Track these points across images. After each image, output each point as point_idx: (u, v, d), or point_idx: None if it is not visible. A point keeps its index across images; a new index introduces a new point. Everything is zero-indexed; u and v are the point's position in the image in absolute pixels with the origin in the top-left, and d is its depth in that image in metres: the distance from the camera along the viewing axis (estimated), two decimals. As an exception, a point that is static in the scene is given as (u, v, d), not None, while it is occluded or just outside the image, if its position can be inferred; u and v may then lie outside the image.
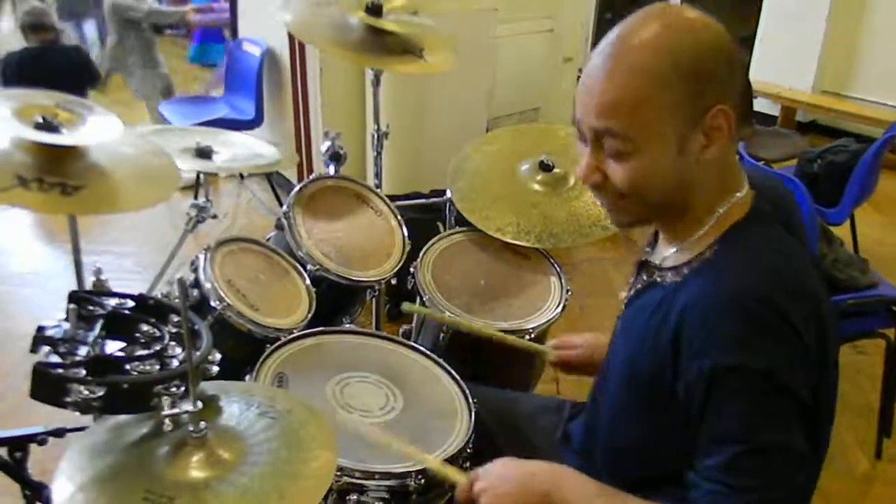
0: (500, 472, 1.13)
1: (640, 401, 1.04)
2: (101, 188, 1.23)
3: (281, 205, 3.98)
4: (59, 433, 1.66)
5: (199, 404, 1.02)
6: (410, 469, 1.25)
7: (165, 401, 1.04)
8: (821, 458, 1.05)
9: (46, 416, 1.86)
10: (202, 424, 1.02)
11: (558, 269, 1.92)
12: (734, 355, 0.90)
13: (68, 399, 1.02)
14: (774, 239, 0.99)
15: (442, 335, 1.71)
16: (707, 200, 1.02)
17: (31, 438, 1.60)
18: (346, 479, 1.22)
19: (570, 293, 1.85)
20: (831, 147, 3.39)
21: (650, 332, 1.01)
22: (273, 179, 4.07)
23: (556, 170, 1.95)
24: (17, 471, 1.22)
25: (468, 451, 1.33)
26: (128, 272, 3.36)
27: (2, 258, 3.57)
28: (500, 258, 1.91)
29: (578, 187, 1.95)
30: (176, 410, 1.03)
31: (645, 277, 1.13)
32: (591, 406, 1.20)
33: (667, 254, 1.08)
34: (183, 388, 1.07)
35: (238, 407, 1.14)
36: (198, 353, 1.12)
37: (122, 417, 1.11)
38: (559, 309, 1.81)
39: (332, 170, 1.97)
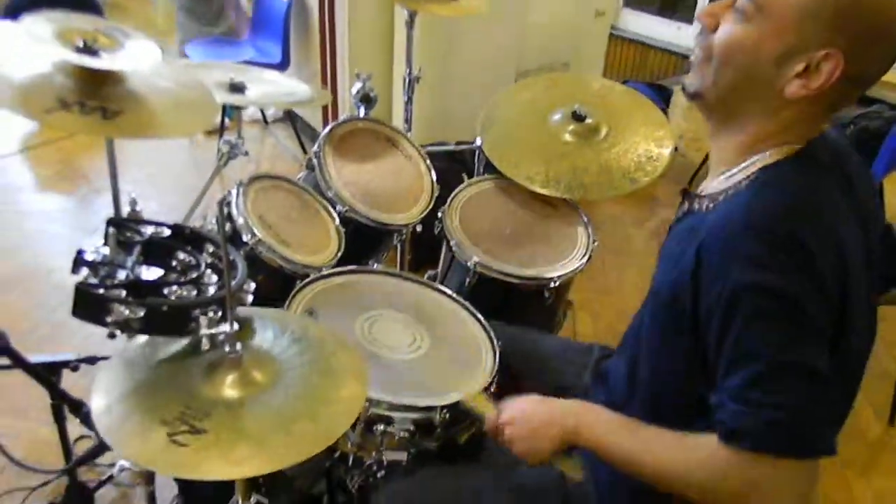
0: (526, 407, 1.15)
1: (668, 329, 1.06)
2: (139, 114, 1.24)
3: (305, 151, 4.00)
4: (92, 360, 1.70)
5: (236, 325, 1.04)
6: (436, 404, 1.27)
7: (203, 322, 1.06)
8: (847, 410, 1.06)
9: (78, 346, 1.91)
10: (238, 346, 1.05)
11: (586, 219, 1.92)
12: (751, 275, 0.91)
13: (109, 318, 1.04)
14: (810, 177, 0.99)
15: (468, 279, 1.72)
16: (764, 133, 1.02)
17: (65, 364, 1.64)
18: (373, 410, 1.25)
19: (596, 244, 1.85)
20: (865, 113, 3.34)
21: (675, 258, 1.03)
22: (297, 125, 4.07)
23: (588, 120, 1.93)
24: (56, 387, 1.25)
25: (492, 389, 1.35)
26: (150, 214, 3.39)
27: (30, 195, 3.61)
28: (527, 207, 1.91)
29: (610, 139, 1.94)
30: (213, 330, 1.05)
31: (686, 206, 1.14)
32: (632, 339, 1.21)
33: (709, 183, 1.10)
34: (220, 314, 1.09)
35: (272, 333, 1.16)
36: (234, 282, 1.14)
37: (157, 338, 1.14)
38: (584, 259, 1.82)
39: (362, 112, 1.97)
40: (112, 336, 1.43)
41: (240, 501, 1.16)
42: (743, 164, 1.04)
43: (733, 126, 1.06)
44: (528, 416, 1.14)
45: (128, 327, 1.04)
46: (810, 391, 0.91)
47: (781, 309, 0.91)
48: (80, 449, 2.12)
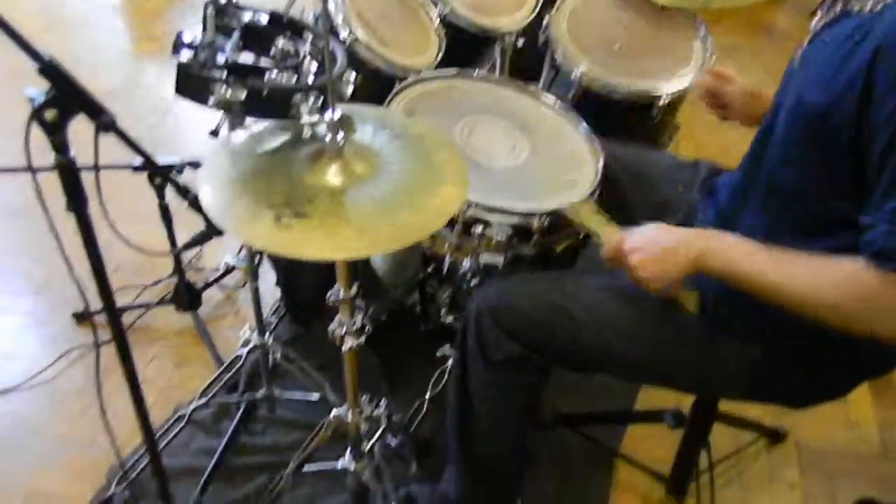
0: (653, 235, 1.09)
1: (811, 139, 0.97)
2: None
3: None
4: (196, 164, 1.73)
5: (338, 114, 1.01)
6: (536, 210, 1.24)
7: (304, 108, 1.04)
8: None
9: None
10: (339, 135, 1.02)
11: (703, 32, 1.76)
12: None
13: (211, 98, 1.03)
14: None
15: (572, 93, 1.63)
16: None
17: (170, 168, 1.68)
18: (472, 211, 1.23)
19: (714, 58, 1.71)
20: None
21: (834, 65, 0.92)
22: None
23: (717, -85, 1.72)
24: (166, 171, 1.27)
25: (595, 197, 1.30)
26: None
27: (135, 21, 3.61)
28: (641, 16, 1.76)
29: (740, -62, 1.73)
30: (315, 118, 1.02)
31: (839, 7, 1.00)
32: (754, 152, 1.13)
33: None
34: (320, 102, 1.07)
35: (372, 128, 1.13)
36: (334, 70, 1.10)
37: (258, 128, 1.13)
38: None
39: None
40: (214, 134, 1.44)
41: (341, 292, 1.18)
42: None
43: None
44: (655, 242, 1.08)
45: (229, 109, 1.03)
46: None
47: None
48: (186, 254, 2.25)
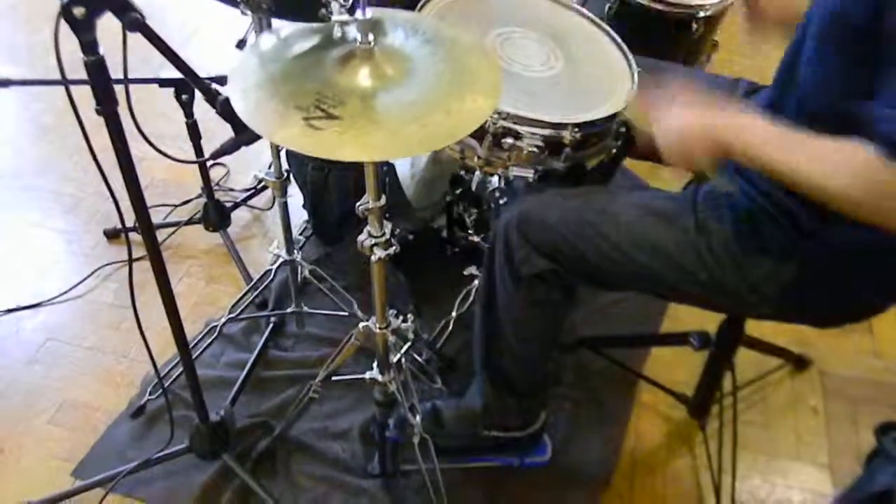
0: (683, 121, 1.07)
1: (840, 46, 0.95)
2: None
3: None
4: (222, 80, 1.72)
5: (369, 13, 0.99)
6: (567, 121, 1.21)
7: (333, 7, 1.02)
8: None
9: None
10: (370, 36, 1.00)
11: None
12: None
13: (241, -1, 1.01)
14: None
15: (609, 5, 1.58)
16: None
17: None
18: (503, 122, 1.20)
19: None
20: None
21: None
22: None
23: None
24: (193, 74, 1.25)
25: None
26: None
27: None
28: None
29: None
30: (345, 17, 1.00)
31: None
32: (787, 65, 1.10)
33: None
34: (350, 2, 1.04)
35: (403, 33, 1.11)
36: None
37: (288, 32, 1.11)
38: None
39: None
40: (240, 46, 1.42)
41: (370, 202, 1.18)
42: None
43: None
44: (684, 128, 1.07)
45: (258, 8, 1.01)
46: None
47: None
48: (214, 174, 2.26)
